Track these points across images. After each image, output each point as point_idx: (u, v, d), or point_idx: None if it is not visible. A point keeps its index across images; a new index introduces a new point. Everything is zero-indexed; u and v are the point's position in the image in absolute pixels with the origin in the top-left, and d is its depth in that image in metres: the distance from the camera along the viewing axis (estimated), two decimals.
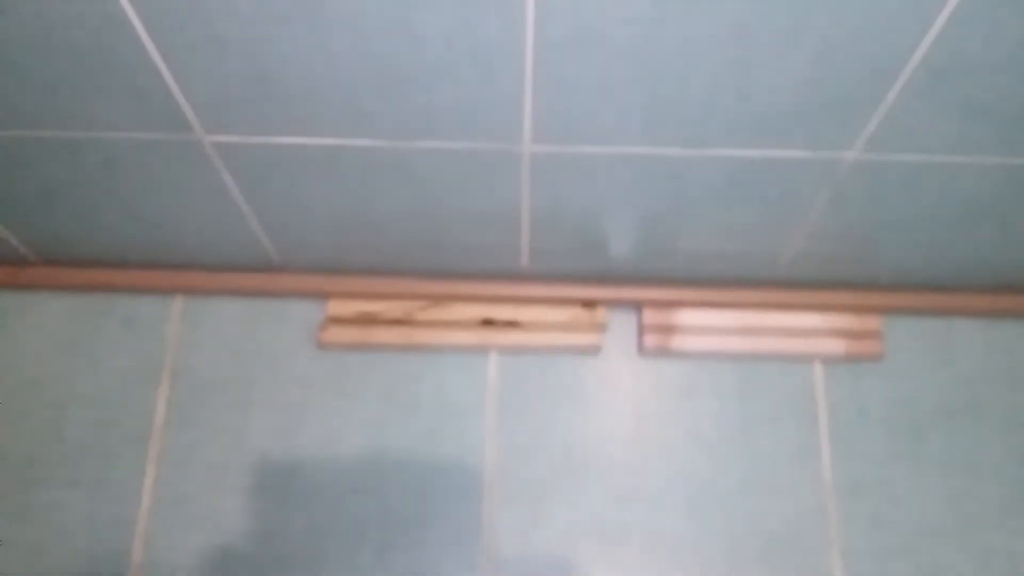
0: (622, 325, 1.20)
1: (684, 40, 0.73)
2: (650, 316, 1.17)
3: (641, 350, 1.18)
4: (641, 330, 1.18)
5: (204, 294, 1.19)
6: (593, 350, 1.17)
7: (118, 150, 0.92)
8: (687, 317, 1.17)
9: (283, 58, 0.76)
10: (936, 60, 0.74)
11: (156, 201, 1.02)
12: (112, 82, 0.80)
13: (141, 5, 0.70)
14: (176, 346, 1.18)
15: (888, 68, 0.75)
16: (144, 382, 1.17)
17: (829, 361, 1.18)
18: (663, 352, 1.17)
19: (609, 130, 0.85)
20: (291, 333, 1.19)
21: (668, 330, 1.16)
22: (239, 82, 0.80)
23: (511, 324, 1.17)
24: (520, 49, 0.74)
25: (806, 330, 1.16)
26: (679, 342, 1.16)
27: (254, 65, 0.77)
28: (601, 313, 1.17)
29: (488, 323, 1.17)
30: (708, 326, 1.16)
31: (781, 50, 0.74)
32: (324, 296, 1.18)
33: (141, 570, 1.08)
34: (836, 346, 1.15)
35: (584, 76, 0.78)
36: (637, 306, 1.19)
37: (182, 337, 1.19)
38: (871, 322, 1.17)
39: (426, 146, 0.89)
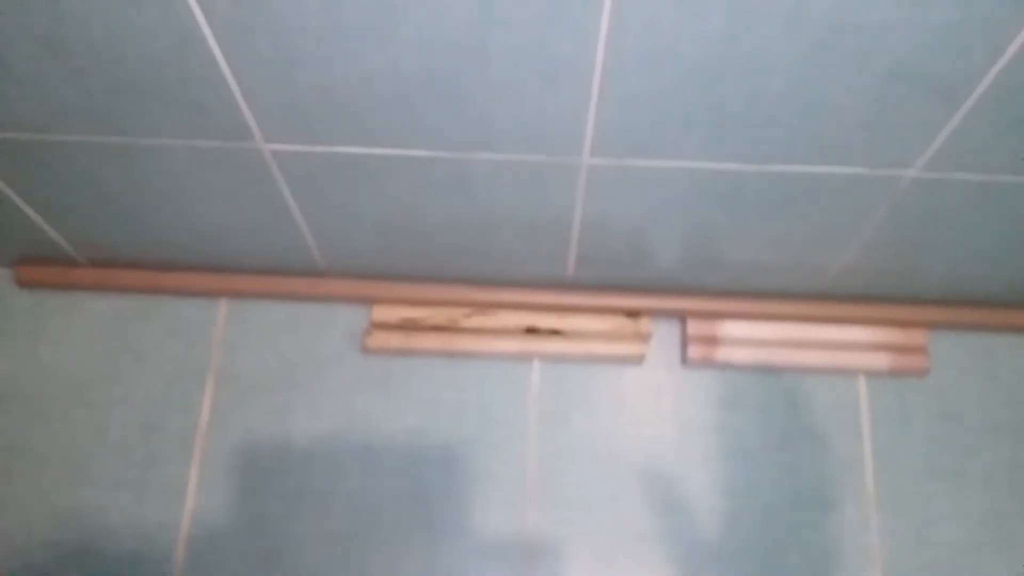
0: (666, 335, 1.20)
1: (757, 58, 0.73)
2: (694, 327, 1.17)
3: (685, 361, 1.18)
4: (685, 341, 1.18)
5: (250, 298, 1.20)
6: (636, 360, 1.17)
7: (176, 156, 0.92)
8: (731, 328, 1.17)
9: (349, 72, 0.77)
10: (1006, 82, 0.74)
11: (208, 206, 1.02)
12: (178, 92, 0.81)
13: (215, 19, 0.71)
14: (221, 349, 1.19)
15: (958, 89, 0.75)
16: (189, 384, 1.17)
17: (873, 375, 1.18)
18: (707, 363, 1.17)
19: (669, 145, 0.85)
20: (335, 338, 1.19)
21: (712, 341, 1.16)
22: (304, 94, 0.80)
23: (555, 332, 1.17)
24: (590, 65, 0.74)
25: (851, 344, 1.16)
26: (723, 353, 1.16)
27: (320, 78, 0.78)
28: (645, 323, 1.17)
29: (532, 331, 1.17)
30: (752, 338, 1.16)
31: (851, 72, 0.74)
32: (369, 302, 1.18)
33: (185, 572, 1.09)
34: (881, 360, 1.15)
35: (650, 92, 0.77)
36: (681, 316, 1.19)
37: (227, 340, 1.19)
38: (916, 337, 1.16)
39: (484, 158, 0.89)
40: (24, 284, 1.19)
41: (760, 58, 0.73)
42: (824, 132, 0.82)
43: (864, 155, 0.85)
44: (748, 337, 1.17)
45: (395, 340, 1.16)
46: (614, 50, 0.73)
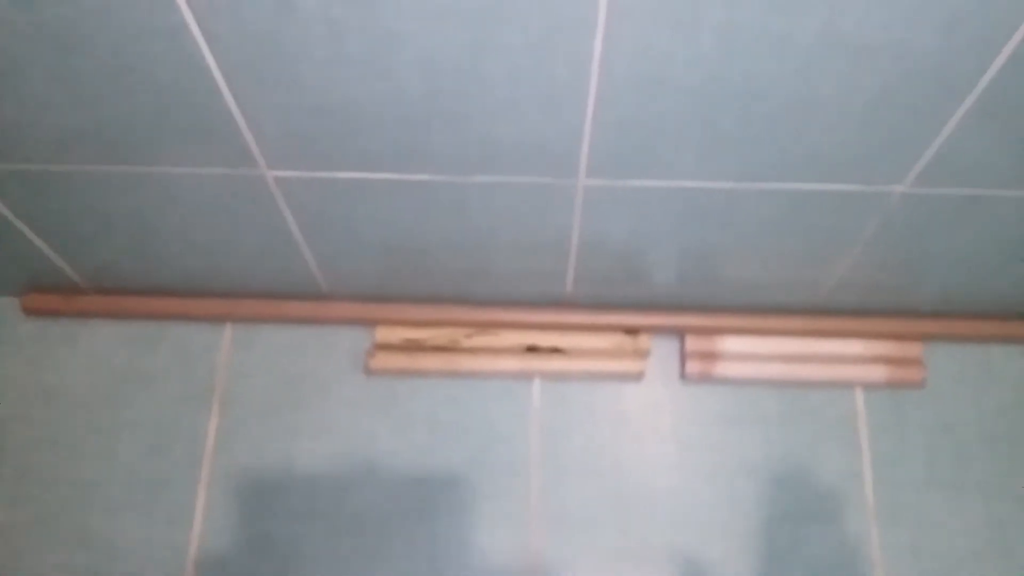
0: (665, 352, 1.22)
1: (747, 80, 0.75)
2: (693, 343, 1.19)
3: (684, 377, 1.19)
4: (684, 357, 1.19)
5: (254, 322, 1.22)
6: (636, 376, 1.19)
7: (180, 184, 0.94)
8: (729, 344, 1.18)
9: (353, 98, 0.79)
10: (990, 100, 0.76)
11: (212, 232, 1.04)
12: (183, 120, 0.83)
13: (218, 47, 0.73)
14: (226, 373, 1.20)
15: (944, 107, 0.77)
16: (195, 408, 1.19)
17: (871, 388, 1.19)
18: (706, 379, 1.18)
19: (664, 165, 0.87)
20: (339, 360, 1.21)
21: (711, 357, 1.18)
22: (307, 120, 0.82)
23: (555, 351, 1.19)
24: (584, 89, 0.76)
25: (848, 357, 1.18)
26: (722, 369, 1.17)
27: (324, 104, 0.80)
28: (644, 340, 1.19)
29: (532, 350, 1.19)
30: (750, 353, 1.18)
31: (840, 93, 0.76)
32: (371, 323, 1.20)
33: None
34: (878, 373, 1.17)
35: (644, 114, 0.80)
36: (680, 333, 1.21)
37: (232, 364, 1.21)
38: (912, 349, 1.18)
39: (483, 180, 0.91)
40: (30, 312, 1.21)
41: (750, 79, 0.75)
42: (815, 150, 0.84)
43: (854, 172, 0.87)
44: (746, 352, 1.18)
45: (398, 361, 1.18)
46: (607, 73, 0.75)
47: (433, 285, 1.15)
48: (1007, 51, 0.70)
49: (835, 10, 0.67)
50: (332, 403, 1.19)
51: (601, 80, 0.76)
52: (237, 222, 1.01)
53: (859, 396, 1.19)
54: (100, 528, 1.13)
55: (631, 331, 1.20)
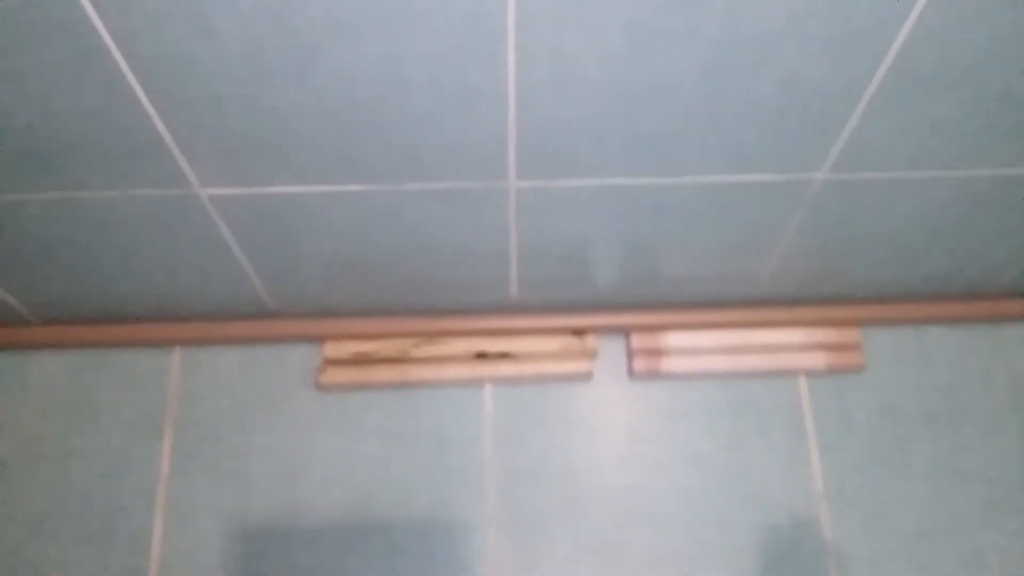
0: (612, 351, 1.24)
1: (657, 76, 0.77)
2: (638, 341, 1.21)
3: (631, 374, 1.21)
4: (630, 355, 1.21)
5: (202, 344, 1.22)
6: (585, 377, 1.21)
7: (114, 208, 0.95)
8: (674, 340, 1.21)
9: (276, 112, 0.80)
10: (893, 82, 0.79)
11: (152, 255, 1.05)
12: (111, 143, 0.84)
13: (139, 67, 0.74)
14: (177, 397, 1.21)
15: (849, 92, 0.80)
16: (147, 434, 1.19)
17: (813, 374, 1.22)
18: (653, 375, 1.20)
19: (590, 163, 0.89)
20: (289, 377, 1.22)
21: (656, 353, 1.20)
22: (234, 136, 0.83)
23: (504, 356, 1.20)
24: (503, 92, 0.78)
25: (789, 346, 1.20)
26: (667, 364, 1.19)
27: (249, 120, 0.81)
28: (591, 340, 1.21)
29: (481, 356, 1.20)
30: (695, 347, 1.20)
31: (748, 83, 0.78)
32: (320, 339, 1.21)
33: None
34: (818, 360, 1.19)
35: (564, 113, 0.82)
36: (625, 332, 1.23)
37: (182, 388, 1.21)
38: (851, 335, 1.21)
39: (415, 188, 0.93)
40: None
41: (660, 75, 0.77)
42: (732, 142, 0.86)
43: (774, 162, 0.90)
44: (690, 347, 1.20)
45: (348, 375, 1.18)
46: (524, 76, 0.77)
47: (379, 297, 1.16)
48: (905, 29, 0.73)
49: (734, 1, 0.70)
50: (284, 421, 1.19)
51: (519, 83, 0.78)
52: (177, 244, 1.02)
53: (802, 383, 1.22)
54: (57, 559, 1.13)
55: (578, 332, 1.21)
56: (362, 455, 1.18)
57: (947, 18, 0.72)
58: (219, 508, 1.15)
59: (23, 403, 1.21)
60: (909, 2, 0.70)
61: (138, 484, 1.16)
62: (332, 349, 1.20)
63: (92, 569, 1.12)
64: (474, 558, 1.13)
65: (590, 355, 1.21)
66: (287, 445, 1.18)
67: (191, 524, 1.14)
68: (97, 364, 1.22)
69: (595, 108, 0.81)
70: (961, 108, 0.83)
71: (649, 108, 0.81)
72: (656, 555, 1.13)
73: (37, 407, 1.20)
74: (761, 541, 1.13)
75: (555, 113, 0.82)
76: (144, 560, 1.13)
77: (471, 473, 1.17)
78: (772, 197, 0.96)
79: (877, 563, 1.13)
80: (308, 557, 1.12)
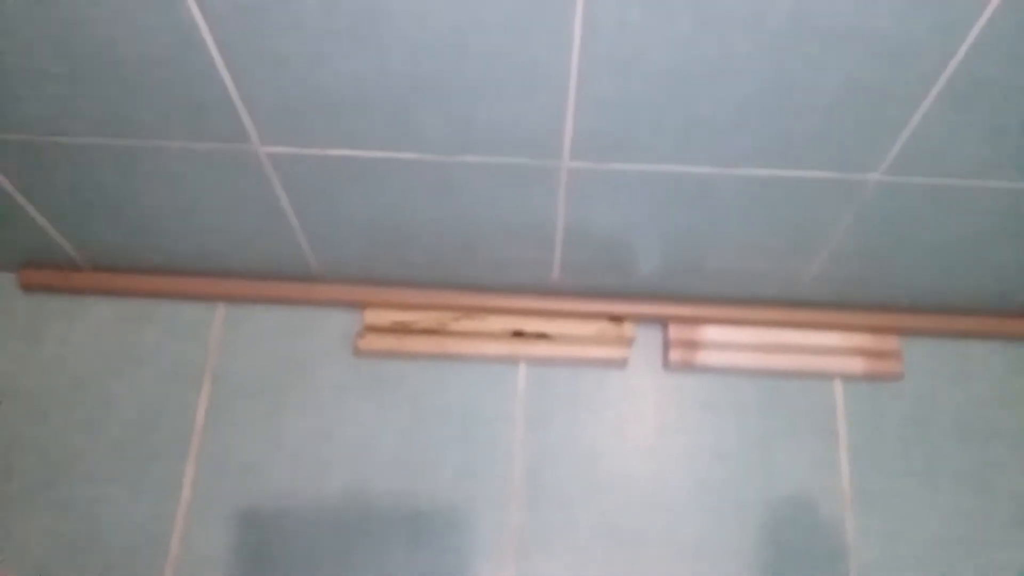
0: (648, 340, 1.24)
1: (719, 62, 0.77)
2: (675, 332, 1.21)
3: (666, 364, 1.21)
4: (666, 345, 1.21)
5: (246, 302, 1.24)
6: (619, 363, 1.21)
7: (175, 159, 0.97)
8: (711, 333, 1.21)
9: (340, 73, 0.81)
10: (959, 85, 0.78)
11: (206, 210, 1.06)
12: (177, 93, 0.85)
13: (213, 19, 0.75)
14: (217, 351, 1.23)
15: (913, 93, 0.80)
16: (186, 385, 1.21)
17: (849, 379, 1.21)
18: (687, 367, 1.20)
19: (644, 147, 0.90)
20: (327, 341, 1.23)
21: (692, 345, 1.20)
22: (297, 95, 0.85)
23: (541, 336, 1.21)
24: (565, 68, 0.79)
25: (826, 348, 1.20)
26: (703, 357, 1.19)
27: (312, 79, 0.82)
28: (628, 328, 1.21)
29: (518, 335, 1.21)
30: (732, 342, 1.20)
31: (810, 76, 0.78)
32: (361, 306, 1.22)
33: (177, 563, 1.12)
34: (856, 365, 1.19)
35: (624, 94, 0.82)
36: (663, 322, 1.23)
37: (223, 343, 1.23)
38: (890, 342, 1.20)
39: (468, 160, 0.93)
40: (27, 288, 1.24)
41: (724, 60, 0.77)
42: (788, 136, 0.86)
43: (829, 159, 0.90)
44: (727, 342, 1.20)
45: (386, 342, 1.20)
46: (588, 53, 0.77)
47: (421, 269, 1.18)
48: (972, 35, 0.73)
49: None
50: (319, 383, 1.21)
51: (582, 60, 0.78)
52: (231, 200, 1.04)
53: (838, 387, 1.21)
54: (87, 498, 1.15)
55: (616, 319, 1.22)
56: (393, 422, 1.19)
57: (1017, 23, 0.71)
58: (249, 462, 1.17)
59: (68, 345, 1.23)
60: (979, 5, 0.70)
61: (172, 432, 1.19)
62: (372, 316, 1.22)
63: (120, 511, 1.15)
64: (495, 532, 1.14)
65: (626, 342, 1.21)
66: (320, 407, 1.20)
67: (221, 475, 1.16)
68: (142, 313, 1.25)
69: (654, 91, 0.81)
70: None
71: (708, 94, 0.81)
72: (674, 544, 1.13)
73: (81, 351, 1.23)
74: (781, 539, 1.13)
75: (614, 93, 0.82)
76: (173, 506, 1.15)
77: (499, 449, 1.18)
78: (824, 195, 0.96)
79: (897, 570, 1.12)
80: (331, 516, 1.14)
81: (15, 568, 1.12)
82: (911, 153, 0.88)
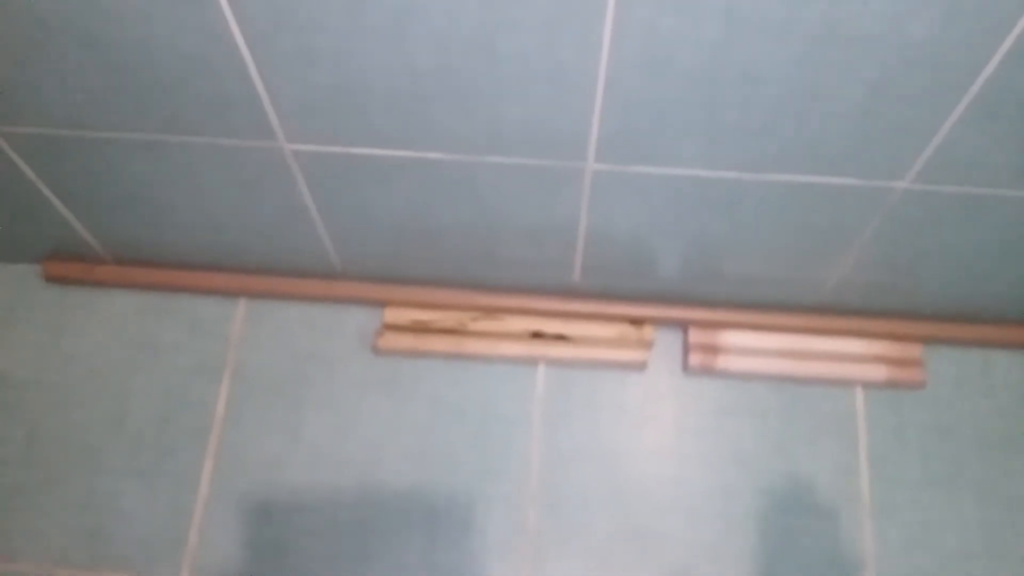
0: (668, 343, 1.24)
1: (748, 66, 0.77)
2: (696, 336, 1.21)
3: (686, 368, 1.21)
4: (686, 349, 1.21)
5: (267, 298, 1.24)
6: (639, 366, 1.21)
7: (200, 154, 0.97)
8: (732, 338, 1.20)
9: (368, 71, 0.81)
10: (990, 95, 0.78)
11: (230, 206, 1.07)
12: (205, 88, 0.86)
13: (242, 15, 0.76)
14: (238, 346, 1.23)
15: (942, 102, 0.79)
16: (206, 379, 1.22)
17: (871, 387, 1.20)
18: (707, 371, 1.20)
19: (669, 151, 0.89)
20: (347, 338, 1.24)
21: (713, 350, 1.20)
22: (324, 93, 0.85)
23: (560, 338, 1.21)
24: (594, 70, 0.79)
25: (848, 355, 1.19)
26: (723, 362, 1.19)
27: (340, 77, 0.82)
28: (648, 331, 1.21)
29: (538, 336, 1.21)
30: (752, 348, 1.20)
31: (840, 82, 0.78)
32: (381, 304, 1.22)
33: (194, 556, 1.13)
34: (879, 373, 1.18)
35: (651, 97, 0.82)
36: (683, 325, 1.22)
37: (244, 338, 1.24)
38: (913, 351, 1.19)
39: (492, 161, 0.93)
40: (50, 279, 1.25)
41: (752, 65, 0.77)
42: (816, 142, 0.86)
43: (856, 166, 0.89)
44: (748, 347, 1.20)
45: (405, 341, 1.20)
46: (617, 56, 0.77)
47: (442, 268, 1.18)
48: (1006, 46, 0.72)
49: None
50: (338, 380, 1.21)
51: (610, 62, 0.78)
52: (255, 197, 1.04)
53: (859, 394, 1.20)
54: (106, 490, 1.16)
55: (636, 322, 1.21)
56: (411, 421, 1.19)
57: None
58: (267, 457, 1.17)
59: (90, 338, 1.24)
60: (1013, 15, 0.69)
61: (192, 426, 1.19)
62: (392, 315, 1.22)
63: (139, 503, 1.16)
64: (511, 532, 1.14)
65: (646, 345, 1.21)
66: (339, 403, 1.20)
67: (239, 469, 1.17)
68: (164, 307, 1.26)
69: (682, 94, 0.81)
70: None
71: (736, 99, 0.81)
72: (691, 548, 1.13)
73: (103, 343, 1.24)
74: (798, 546, 1.13)
75: (642, 96, 0.82)
76: (191, 499, 1.16)
77: (516, 449, 1.18)
78: (850, 202, 0.95)
79: None
80: (348, 513, 1.14)
81: (34, 559, 1.13)
82: (939, 162, 0.87)
